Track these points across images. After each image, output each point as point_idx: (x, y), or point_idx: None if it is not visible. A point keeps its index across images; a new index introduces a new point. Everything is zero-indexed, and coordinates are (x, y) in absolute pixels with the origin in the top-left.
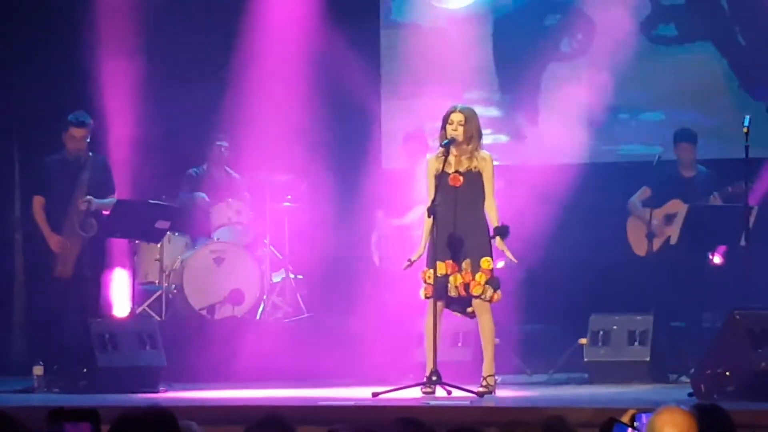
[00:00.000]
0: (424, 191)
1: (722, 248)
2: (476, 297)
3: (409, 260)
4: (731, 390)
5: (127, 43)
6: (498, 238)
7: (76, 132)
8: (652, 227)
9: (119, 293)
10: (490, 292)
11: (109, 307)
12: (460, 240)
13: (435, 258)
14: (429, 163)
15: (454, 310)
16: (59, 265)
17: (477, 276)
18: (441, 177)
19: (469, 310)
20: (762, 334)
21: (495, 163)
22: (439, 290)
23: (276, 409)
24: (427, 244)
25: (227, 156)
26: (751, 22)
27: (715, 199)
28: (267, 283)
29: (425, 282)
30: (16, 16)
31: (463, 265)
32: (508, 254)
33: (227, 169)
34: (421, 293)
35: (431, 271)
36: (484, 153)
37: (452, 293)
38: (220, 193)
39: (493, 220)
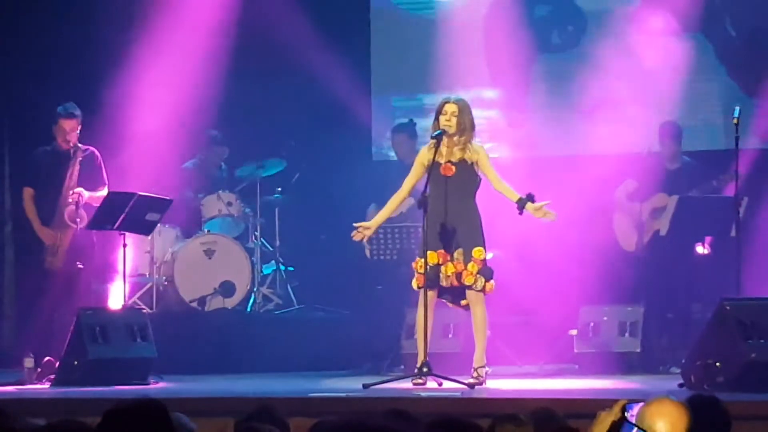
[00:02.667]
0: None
1: (708, 238)
2: (468, 287)
3: (354, 226)
4: (721, 381)
5: (120, 34)
6: (528, 203)
7: (66, 123)
8: (642, 221)
9: (110, 285)
10: (482, 281)
11: (100, 299)
12: (452, 230)
13: (426, 248)
14: (420, 153)
15: (447, 300)
16: (49, 256)
17: (469, 266)
18: (432, 167)
19: (463, 302)
20: (752, 324)
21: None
22: (431, 280)
23: (267, 401)
24: (422, 234)
25: (220, 146)
26: (742, 11)
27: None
28: (257, 274)
29: (417, 272)
30: (2, 7)
31: (455, 254)
32: (548, 213)
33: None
34: (414, 283)
35: (422, 260)
36: (476, 145)
37: (444, 283)
38: (213, 185)
39: (511, 196)
